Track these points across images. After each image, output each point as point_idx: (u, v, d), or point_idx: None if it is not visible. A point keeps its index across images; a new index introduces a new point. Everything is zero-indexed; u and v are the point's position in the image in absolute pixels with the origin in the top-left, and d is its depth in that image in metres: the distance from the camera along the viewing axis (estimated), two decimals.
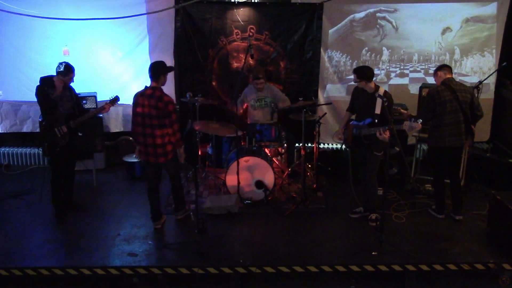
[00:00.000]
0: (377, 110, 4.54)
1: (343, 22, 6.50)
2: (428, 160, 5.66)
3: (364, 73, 4.66)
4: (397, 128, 4.37)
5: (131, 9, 6.15)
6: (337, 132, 5.18)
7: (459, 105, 4.70)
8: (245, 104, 6.26)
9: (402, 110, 5.21)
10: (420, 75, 6.64)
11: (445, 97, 4.71)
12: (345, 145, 5.09)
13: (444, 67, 4.91)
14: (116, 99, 5.22)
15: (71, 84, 5.04)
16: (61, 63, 4.87)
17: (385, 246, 4.34)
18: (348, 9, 6.44)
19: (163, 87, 4.66)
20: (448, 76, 4.81)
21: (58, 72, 4.85)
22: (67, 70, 4.85)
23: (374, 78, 4.81)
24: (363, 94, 4.76)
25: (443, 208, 5.06)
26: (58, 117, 4.87)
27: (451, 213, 5.02)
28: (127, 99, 6.66)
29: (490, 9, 6.44)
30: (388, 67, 6.68)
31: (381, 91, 4.65)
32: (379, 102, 4.52)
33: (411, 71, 6.70)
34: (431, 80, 6.31)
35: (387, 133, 4.38)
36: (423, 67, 6.67)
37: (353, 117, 5.06)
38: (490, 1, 6.41)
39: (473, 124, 4.90)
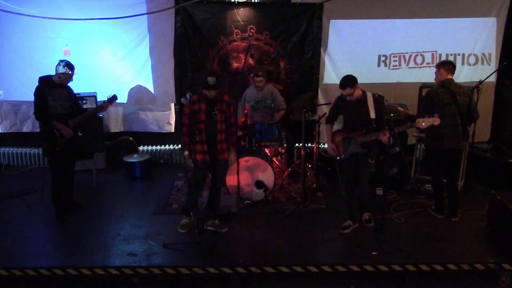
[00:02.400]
0: (372, 115, 4.42)
1: (344, 22, 6.50)
2: (427, 160, 5.66)
3: (353, 80, 4.43)
4: (411, 127, 4.33)
5: (131, 9, 6.16)
6: (330, 148, 4.77)
7: (457, 108, 4.70)
8: (246, 107, 6.23)
9: (399, 108, 5.16)
10: (421, 75, 6.63)
11: (444, 100, 4.69)
12: (339, 157, 4.81)
13: (447, 65, 4.82)
14: (114, 98, 5.20)
15: (69, 84, 5.03)
16: (61, 61, 4.86)
17: (385, 246, 4.34)
18: (348, 9, 6.44)
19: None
20: (449, 76, 4.79)
21: (58, 70, 4.84)
22: (68, 68, 4.85)
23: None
24: (351, 102, 4.51)
25: (442, 208, 5.06)
26: (56, 117, 4.86)
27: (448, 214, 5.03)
28: (127, 98, 6.70)
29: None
30: (388, 67, 6.68)
31: (369, 95, 4.49)
32: (371, 106, 4.42)
33: (411, 70, 6.69)
34: (430, 80, 6.31)
35: (387, 134, 4.28)
36: (424, 67, 6.67)
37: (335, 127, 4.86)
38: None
39: (469, 125, 4.90)
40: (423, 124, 4.27)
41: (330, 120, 4.84)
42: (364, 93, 4.53)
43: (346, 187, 4.85)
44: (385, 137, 4.31)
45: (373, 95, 4.50)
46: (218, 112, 4.45)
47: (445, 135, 4.72)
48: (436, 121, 4.24)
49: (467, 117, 4.78)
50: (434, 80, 4.94)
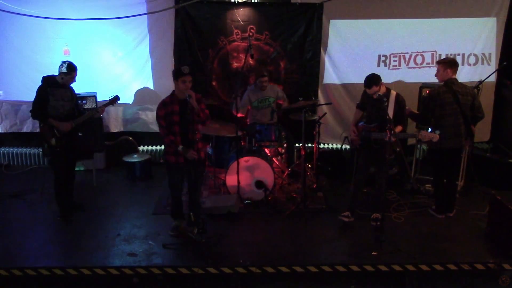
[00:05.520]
0: (390, 114, 4.50)
1: (344, 22, 6.50)
2: (428, 160, 5.66)
3: (377, 78, 4.59)
4: (411, 137, 4.37)
5: (131, 9, 6.16)
6: (351, 130, 4.98)
7: (459, 107, 4.70)
8: (248, 107, 6.24)
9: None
10: (421, 75, 6.62)
11: (445, 99, 4.70)
12: (352, 146, 5.07)
13: (453, 66, 4.77)
14: (116, 98, 5.21)
15: (71, 85, 5.03)
16: (64, 62, 4.86)
17: (385, 246, 4.34)
18: (348, 9, 6.44)
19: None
20: (453, 76, 4.79)
21: (60, 71, 4.84)
22: (70, 69, 4.84)
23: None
24: (374, 98, 4.67)
25: (442, 208, 5.06)
26: (57, 118, 4.85)
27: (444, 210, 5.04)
28: (127, 99, 6.70)
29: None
30: (388, 67, 6.67)
31: (393, 94, 4.64)
32: (391, 105, 4.52)
33: (411, 70, 6.68)
34: (429, 80, 6.30)
35: (388, 134, 4.35)
36: (424, 67, 6.66)
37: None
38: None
39: (474, 124, 4.90)
40: (425, 137, 4.49)
41: (359, 105, 5.02)
42: (388, 91, 4.66)
43: (356, 178, 4.91)
44: (389, 139, 4.41)
45: (396, 95, 4.62)
46: (190, 111, 4.36)
47: (447, 134, 4.72)
48: (435, 138, 4.43)
49: (471, 116, 4.79)
50: (435, 76, 4.92)
